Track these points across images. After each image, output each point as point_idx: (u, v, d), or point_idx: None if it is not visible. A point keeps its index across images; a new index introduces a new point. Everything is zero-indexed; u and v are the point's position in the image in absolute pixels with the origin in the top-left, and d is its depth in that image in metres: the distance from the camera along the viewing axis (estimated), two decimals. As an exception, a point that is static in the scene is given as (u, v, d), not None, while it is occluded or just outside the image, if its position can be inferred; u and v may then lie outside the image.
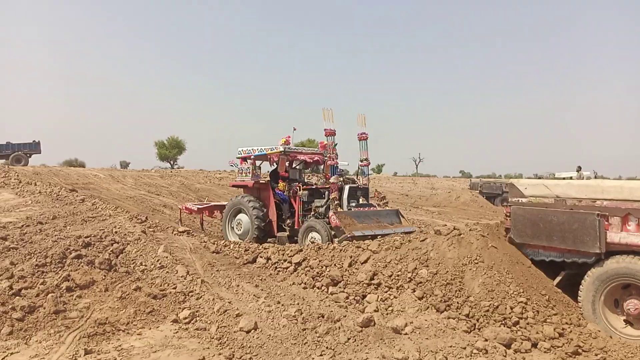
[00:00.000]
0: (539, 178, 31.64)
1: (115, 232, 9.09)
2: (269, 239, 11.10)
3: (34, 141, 32.68)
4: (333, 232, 9.55)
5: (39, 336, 5.10)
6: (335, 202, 10.22)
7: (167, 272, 7.23)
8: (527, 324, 5.25)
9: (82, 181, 21.23)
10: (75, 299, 6.12)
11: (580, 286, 5.71)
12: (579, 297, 5.73)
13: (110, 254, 7.66)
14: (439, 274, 6.14)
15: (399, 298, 6.06)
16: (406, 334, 5.09)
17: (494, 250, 6.23)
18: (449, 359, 4.49)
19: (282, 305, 5.99)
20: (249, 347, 4.85)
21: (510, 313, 5.38)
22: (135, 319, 5.58)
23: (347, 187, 10.56)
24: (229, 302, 6.08)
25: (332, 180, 10.36)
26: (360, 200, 10.72)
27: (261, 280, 7.40)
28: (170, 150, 57.50)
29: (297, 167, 12.46)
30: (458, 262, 6.20)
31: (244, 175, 11.80)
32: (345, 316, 5.67)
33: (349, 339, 4.94)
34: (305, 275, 7.32)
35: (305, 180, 12.53)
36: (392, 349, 4.70)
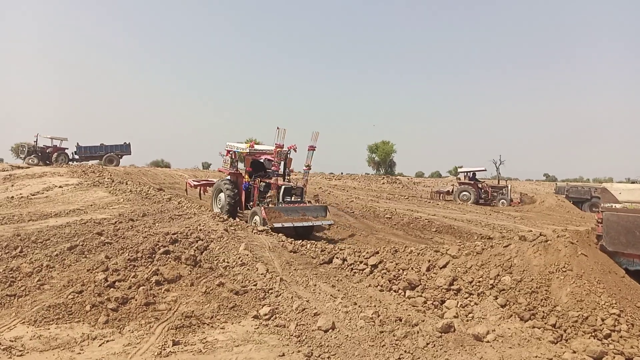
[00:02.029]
0: (633, 182, 29.44)
1: (200, 230, 9.52)
2: (238, 213, 14.18)
3: (124, 143, 34.89)
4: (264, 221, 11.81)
5: (131, 326, 5.43)
6: (269, 199, 12.90)
7: (248, 269, 7.47)
8: (621, 337, 4.93)
9: (168, 181, 22.45)
10: (163, 292, 6.48)
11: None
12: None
13: (195, 250, 8.04)
14: (524, 281, 5.89)
15: (480, 305, 5.89)
16: (488, 341, 4.94)
17: (584, 259, 5.89)
18: (534, 370, 4.31)
19: (359, 306, 6.01)
20: (327, 346, 4.90)
21: (601, 325, 5.07)
22: (218, 313, 5.82)
23: (283, 187, 12.98)
24: (307, 301, 6.18)
25: (272, 181, 13.06)
26: (293, 197, 13.11)
27: (337, 280, 7.46)
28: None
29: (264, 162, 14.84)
30: (544, 269, 5.92)
31: (227, 164, 14.99)
32: (423, 321, 5.59)
33: (427, 344, 4.87)
34: (382, 277, 7.29)
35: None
36: (473, 356, 4.58)
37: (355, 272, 7.83)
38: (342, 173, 50.98)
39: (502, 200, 27.45)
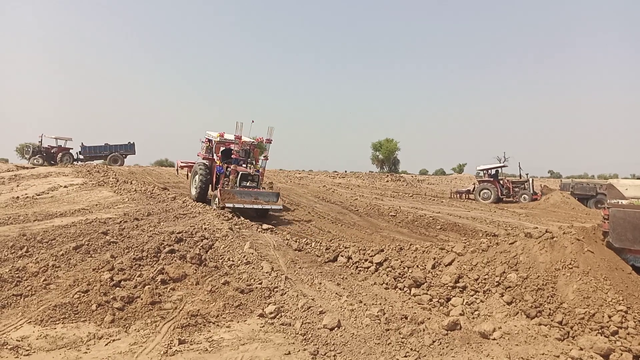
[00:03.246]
0: (639, 179, 29.21)
1: (205, 229, 9.52)
2: (209, 194, 15.88)
3: (129, 142, 34.95)
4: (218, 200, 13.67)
5: (137, 325, 5.44)
6: (226, 183, 14.82)
7: (253, 267, 7.47)
8: (628, 334, 4.91)
9: (173, 180, 22.46)
10: (169, 291, 6.49)
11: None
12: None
13: (200, 249, 8.05)
14: (530, 278, 5.87)
15: (486, 302, 5.87)
16: (494, 339, 4.92)
17: (590, 255, 5.86)
18: (542, 367, 4.29)
19: (365, 304, 6.00)
20: (333, 344, 4.90)
21: (608, 322, 5.05)
22: (224, 312, 5.82)
23: (240, 173, 14.82)
24: (312, 299, 6.17)
25: (231, 167, 14.79)
26: (249, 183, 14.89)
27: (342, 279, 7.45)
28: (252, 150, 59.37)
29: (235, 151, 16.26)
30: (550, 266, 5.89)
31: (203, 151, 16.98)
32: (429, 318, 5.57)
33: (434, 341, 4.86)
34: (387, 275, 7.28)
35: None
36: (479, 353, 4.56)
37: (360, 270, 7.82)
38: (345, 171, 51.01)
39: (525, 195, 26.98)
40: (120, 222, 10.25)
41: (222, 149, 16.41)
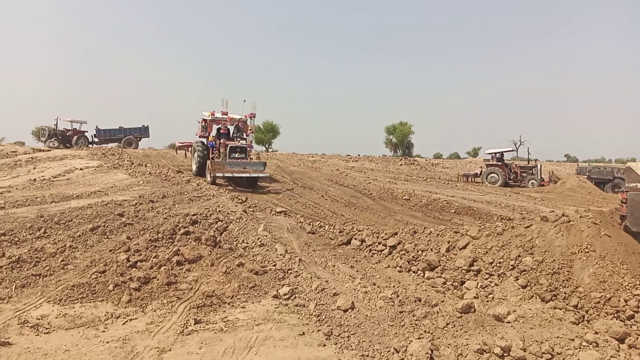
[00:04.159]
0: (658, 163, 28.69)
1: (219, 211, 9.58)
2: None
3: (143, 125, 35.06)
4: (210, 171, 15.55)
5: (153, 305, 5.52)
6: (216, 155, 16.88)
7: (267, 250, 7.51)
8: (644, 318, 4.85)
9: (187, 163, 22.54)
10: (184, 272, 6.56)
11: None
12: None
13: (215, 231, 8.11)
14: (545, 262, 5.82)
15: (500, 286, 5.85)
16: (509, 322, 4.91)
17: (607, 239, 5.79)
18: (556, 349, 4.27)
19: (378, 287, 6.01)
20: (347, 325, 4.92)
21: (624, 306, 5.00)
22: (239, 293, 5.87)
23: (229, 146, 16.59)
24: (326, 281, 6.20)
25: (221, 141, 16.96)
26: (238, 155, 16.57)
27: (356, 261, 7.47)
28: (266, 134, 59.39)
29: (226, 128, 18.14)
30: (566, 250, 5.84)
31: (200, 130, 18.58)
32: (443, 301, 5.58)
33: (447, 324, 4.86)
34: (401, 258, 7.27)
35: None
36: (494, 336, 4.56)
37: (373, 253, 7.82)
38: (359, 155, 50.81)
39: (532, 181, 26.74)
40: (136, 204, 10.36)
41: (215, 127, 18.18)
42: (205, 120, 18.20)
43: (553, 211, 9.33)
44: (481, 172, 28.50)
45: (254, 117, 17.32)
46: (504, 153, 28.69)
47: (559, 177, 28.53)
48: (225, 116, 17.36)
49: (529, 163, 29.80)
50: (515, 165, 28.61)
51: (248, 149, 17.35)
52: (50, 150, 25.66)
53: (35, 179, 15.19)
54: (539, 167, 27.53)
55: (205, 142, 17.97)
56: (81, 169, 17.30)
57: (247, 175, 15.78)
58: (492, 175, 27.26)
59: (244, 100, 17.65)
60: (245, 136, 18.17)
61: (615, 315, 4.96)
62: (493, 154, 28.68)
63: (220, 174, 15.31)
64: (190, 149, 20.53)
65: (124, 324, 4.98)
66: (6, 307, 5.21)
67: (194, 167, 18.32)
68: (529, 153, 30.74)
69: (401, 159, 44.10)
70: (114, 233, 7.94)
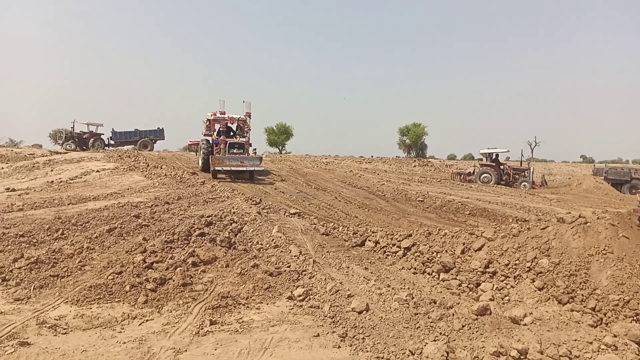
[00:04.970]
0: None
1: (234, 213, 9.63)
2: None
3: (158, 128, 35.32)
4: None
5: (169, 306, 5.57)
6: (217, 151, 18.76)
7: (282, 251, 7.53)
8: (664, 321, 4.78)
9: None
10: (200, 274, 6.61)
11: None
12: None
13: (229, 232, 8.15)
14: (562, 264, 5.76)
15: (516, 288, 5.80)
16: (525, 324, 4.87)
17: (625, 241, 5.72)
18: (574, 352, 4.23)
19: (393, 289, 5.99)
20: (362, 327, 4.92)
21: (644, 309, 4.92)
22: (254, 294, 5.89)
23: (228, 142, 18.75)
24: (340, 283, 6.19)
25: (220, 138, 18.93)
26: (236, 150, 18.62)
27: (370, 263, 7.45)
28: (279, 135, 59.52)
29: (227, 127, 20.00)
30: (584, 252, 5.77)
31: (205, 129, 20.11)
32: (458, 303, 5.54)
33: (463, 326, 4.83)
34: (415, 260, 7.24)
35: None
36: (510, 339, 4.52)
37: (388, 255, 7.80)
38: (372, 156, 50.66)
39: (524, 183, 26.72)
40: (152, 205, 10.45)
41: (217, 126, 19.81)
42: (208, 120, 19.95)
43: (569, 213, 9.22)
44: (474, 171, 28.59)
45: (250, 116, 19.58)
46: (498, 154, 28.82)
47: (574, 178, 28.39)
48: (224, 115, 19.43)
49: (521, 165, 29.89)
50: (509, 166, 28.65)
51: (246, 145, 19.23)
52: (67, 153, 26.02)
53: (52, 181, 15.40)
54: (531, 170, 27.56)
55: (210, 140, 19.74)
56: (98, 171, 17.52)
57: (244, 169, 17.64)
58: (485, 175, 27.33)
59: (243, 101, 19.77)
60: (244, 133, 19.83)
61: (635, 318, 4.89)
62: (487, 155, 28.77)
63: (220, 168, 17.20)
64: (198, 146, 22.44)
65: (140, 324, 5.03)
66: (25, 308, 5.30)
67: (200, 163, 20.29)
68: (522, 155, 30.91)
69: (415, 160, 43.85)
70: (130, 234, 8.02)
